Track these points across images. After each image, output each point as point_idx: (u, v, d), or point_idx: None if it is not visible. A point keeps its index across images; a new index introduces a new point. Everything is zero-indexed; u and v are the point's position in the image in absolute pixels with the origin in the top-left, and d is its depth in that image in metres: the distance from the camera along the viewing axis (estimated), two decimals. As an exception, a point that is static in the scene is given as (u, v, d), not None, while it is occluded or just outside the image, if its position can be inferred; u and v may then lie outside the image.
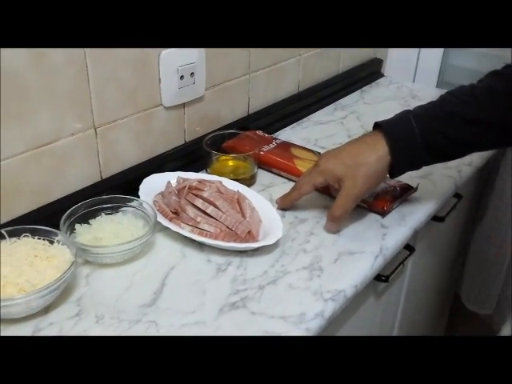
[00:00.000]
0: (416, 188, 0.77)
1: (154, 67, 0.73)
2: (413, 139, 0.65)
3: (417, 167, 0.69)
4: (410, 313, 0.96)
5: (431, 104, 0.69)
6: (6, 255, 0.56)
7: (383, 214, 0.72)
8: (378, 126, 0.68)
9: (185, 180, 0.73)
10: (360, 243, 0.67)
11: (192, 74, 0.77)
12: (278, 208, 0.72)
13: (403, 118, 0.67)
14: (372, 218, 0.73)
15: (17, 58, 0.58)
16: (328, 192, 0.74)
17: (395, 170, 0.67)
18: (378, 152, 0.65)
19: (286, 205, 0.73)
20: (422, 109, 0.68)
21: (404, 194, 0.75)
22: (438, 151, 0.67)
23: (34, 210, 0.65)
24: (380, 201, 0.72)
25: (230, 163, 0.80)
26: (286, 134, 0.95)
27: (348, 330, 0.70)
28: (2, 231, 0.59)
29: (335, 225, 0.68)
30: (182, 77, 0.76)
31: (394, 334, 0.93)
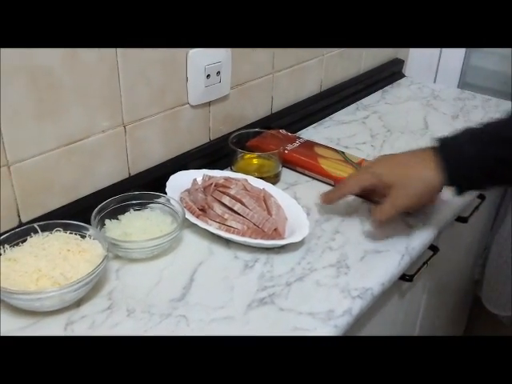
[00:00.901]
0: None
1: (182, 66, 0.74)
2: (467, 161, 0.62)
3: (474, 189, 0.67)
4: (431, 313, 0.96)
5: (495, 123, 0.65)
6: (40, 249, 0.57)
7: (408, 212, 0.72)
8: (437, 140, 0.65)
9: (210, 178, 0.74)
10: (386, 242, 0.68)
11: (218, 72, 0.78)
12: (322, 202, 0.72)
13: (462, 136, 0.64)
14: (397, 217, 0.73)
15: (51, 57, 0.59)
16: (366, 196, 0.74)
17: (452, 188, 0.65)
18: (431, 170, 0.63)
19: (330, 201, 0.72)
20: (483, 128, 0.64)
21: (429, 194, 0.75)
22: (494, 176, 0.63)
23: (65, 206, 0.66)
24: (405, 200, 0.72)
25: (255, 161, 0.81)
26: (308, 134, 0.95)
27: (371, 328, 0.71)
28: (35, 225, 0.60)
29: (377, 226, 0.69)
30: (208, 76, 0.77)
31: (416, 334, 0.93)
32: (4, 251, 0.57)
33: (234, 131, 0.85)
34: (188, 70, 0.75)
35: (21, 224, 0.62)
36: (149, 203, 0.69)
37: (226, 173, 0.77)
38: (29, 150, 0.60)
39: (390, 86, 1.19)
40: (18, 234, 0.59)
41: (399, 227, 0.71)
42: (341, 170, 0.78)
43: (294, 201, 0.72)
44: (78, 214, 0.64)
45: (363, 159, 0.82)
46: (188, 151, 0.80)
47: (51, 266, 0.55)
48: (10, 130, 0.58)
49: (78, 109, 0.64)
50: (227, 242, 0.67)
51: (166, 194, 0.70)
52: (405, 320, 0.85)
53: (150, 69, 0.70)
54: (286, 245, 0.65)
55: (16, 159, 0.60)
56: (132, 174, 0.73)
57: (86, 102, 0.64)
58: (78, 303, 0.56)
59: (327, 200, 0.72)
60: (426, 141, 0.94)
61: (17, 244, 0.59)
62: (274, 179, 0.79)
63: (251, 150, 0.83)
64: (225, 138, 0.83)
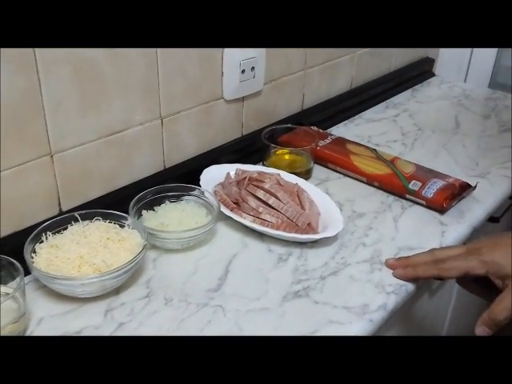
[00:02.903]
0: (475, 186, 0.76)
1: (218, 61, 0.75)
2: None
3: None
4: (460, 313, 0.95)
5: None
6: (82, 237, 0.59)
7: (442, 211, 0.72)
8: None
9: (244, 172, 0.74)
10: (419, 239, 0.68)
11: (253, 68, 0.79)
12: (394, 274, 0.61)
13: None
14: (430, 214, 0.73)
15: (96, 49, 0.60)
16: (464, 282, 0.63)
17: None
18: None
19: (406, 276, 0.60)
20: None
21: (463, 192, 0.75)
22: None
23: (103, 196, 0.68)
24: (439, 198, 0.72)
25: (287, 157, 0.82)
26: (338, 131, 0.95)
27: (401, 326, 0.71)
28: (76, 214, 0.62)
29: (490, 331, 0.55)
30: (243, 71, 0.78)
31: (444, 332, 0.93)
32: (46, 238, 0.59)
33: (265, 127, 0.85)
34: (224, 64, 0.75)
35: (61, 212, 0.64)
36: (183, 195, 0.70)
37: (259, 167, 0.77)
38: (71, 140, 0.62)
39: (420, 84, 1.18)
40: (59, 222, 0.61)
41: (432, 225, 0.71)
42: (373, 167, 0.78)
43: (326, 196, 0.72)
44: (115, 205, 0.65)
45: (396, 157, 0.81)
46: (221, 145, 0.81)
47: (93, 253, 0.56)
48: (54, 119, 0.59)
49: (119, 101, 0.65)
50: (260, 236, 0.67)
51: (199, 186, 0.71)
52: (433, 319, 0.85)
53: (188, 63, 0.71)
54: (320, 239, 0.66)
55: (58, 149, 0.61)
56: (167, 167, 0.75)
57: (127, 94, 0.66)
58: (118, 290, 0.58)
59: (403, 274, 0.61)
60: (457, 140, 0.94)
61: (58, 232, 0.60)
62: (305, 175, 0.80)
63: (283, 145, 0.83)
64: (256, 133, 0.84)
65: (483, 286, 0.58)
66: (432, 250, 0.62)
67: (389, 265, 0.63)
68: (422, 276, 0.60)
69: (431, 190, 0.73)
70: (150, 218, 0.66)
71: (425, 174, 0.76)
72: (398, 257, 0.63)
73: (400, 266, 0.62)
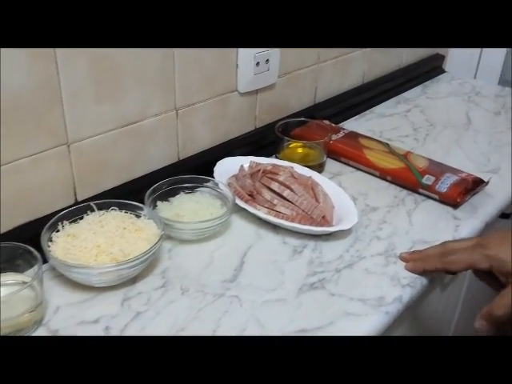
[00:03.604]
0: (487, 182, 0.76)
1: (233, 53, 0.75)
2: None
3: None
4: (469, 307, 0.95)
5: None
6: (98, 226, 0.59)
7: (455, 205, 0.72)
8: None
9: (258, 164, 0.74)
10: (433, 233, 0.68)
11: (267, 60, 0.79)
12: (405, 267, 0.61)
13: None
14: (443, 209, 0.73)
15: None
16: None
17: None
18: None
19: (416, 269, 0.60)
20: None
21: (476, 188, 0.75)
22: None
23: (118, 186, 0.68)
24: (453, 192, 0.72)
25: (299, 150, 0.81)
26: (350, 125, 0.95)
27: (413, 319, 0.71)
28: (92, 204, 0.62)
29: (489, 326, 0.54)
30: (257, 63, 0.77)
31: (452, 329, 0.93)
32: (63, 227, 0.59)
33: (278, 120, 0.85)
34: (239, 57, 0.75)
35: (76, 202, 0.64)
36: (198, 187, 0.70)
37: (273, 160, 0.77)
38: (87, 130, 0.62)
39: (431, 80, 1.18)
40: (76, 212, 0.61)
41: (445, 219, 0.71)
42: (387, 162, 0.78)
43: (340, 189, 0.72)
44: (129, 195, 0.65)
45: (409, 151, 0.81)
46: (234, 138, 0.81)
47: (109, 242, 0.57)
48: (71, 109, 0.59)
49: (135, 92, 0.65)
50: (274, 228, 0.67)
51: (213, 178, 0.71)
52: (443, 315, 0.85)
53: (203, 55, 0.71)
54: (334, 232, 0.66)
55: (75, 138, 0.61)
56: (181, 158, 0.75)
57: (143, 85, 0.65)
58: (134, 280, 0.58)
59: (413, 268, 0.60)
60: (469, 136, 0.94)
61: (74, 221, 0.60)
62: (318, 169, 0.79)
63: (296, 139, 0.83)
64: (269, 126, 0.84)
65: (496, 278, 0.57)
66: (444, 243, 0.61)
67: (402, 258, 0.63)
68: (429, 269, 0.59)
69: (445, 184, 0.73)
70: (165, 209, 0.66)
71: (438, 169, 0.76)
72: (412, 250, 0.63)
73: (412, 260, 0.62)
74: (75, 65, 0.58)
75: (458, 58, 1.27)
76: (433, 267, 0.59)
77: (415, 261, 0.61)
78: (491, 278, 0.58)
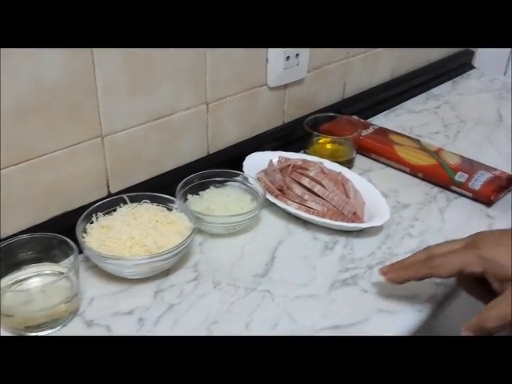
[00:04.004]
0: (522, 180, 0.75)
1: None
2: None
3: None
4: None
5: None
6: (132, 218, 0.59)
7: (489, 203, 0.71)
8: None
9: (287, 159, 0.74)
10: (467, 231, 0.65)
11: (297, 55, 0.78)
12: (386, 279, 0.54)
13: None
14: (476, 207, 0.71)
15: (148, 32, 0.60)
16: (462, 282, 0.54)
17: None
18: None
19: (398, 279, 0.53)
20: None
21: (510, 185, 0.73)
22: None
23: (149, 179, 0.68)
24: (486, 190, 0.71)
25: (328, 146, 0.81)
26: (379, 121, 0.94)
27: (443, 319, 0.70)
28: (124, 196, 0.62)
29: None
30: (287, 57, 0.77)
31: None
32: (97, 218, 0.59)
33: (306, 116, 0.85)
34: (269, 51, 0.75)
35: (109, 194, 0.64)
36: (228, 181, 0.70)
37: (301, 155, 0.77)
38: (121, 123, 0.62)
39: (460, 76, 1.16)
40: (109, 204, 0.61)
41: (479, 217, 0.69)
42: (418, 158, 0.77)
43: (371, 186, 0.71)
44: (160, 188, 0.65)
45: (440, 148, 0.80)
46: (262, 133, 0.81)
47: (143, 234, 0.57)
48: (106, 102, 0.60)
49: (167, 85, 0.65)
50: (304, 223, 0.67)
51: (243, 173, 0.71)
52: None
53: (235, 49, 0.71)
54: (365, 229, 0.65)
55: (109, 131, 0.61)
56: (210, 153, 0.75)
57: (175, 79, 0.66)
58: (166, 273, 0.58)
59: (395, 278, 0.53)
60: (501, 132, 0.92)
61: (108, 213, 0.61)
62: (347, 165, 0.79)
63: (324, 134, 0.83)
64: (297, 121, 0.84)
65: (485, 289, 0.50)
66: (428, 248, 0.54)
67: (381, 272, 0.54)
68: (413, 277, 0.52)
69: (478, 182, 0.72)
70: (196, 203, 0.66)
71: (471, 166, 0.75)
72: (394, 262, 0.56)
73: (392, 270, 0.54)
74: (110, 58, 0.58)
75: (487, 54, 1.24)
76: (417, 274, 0.52)
77: (396, 270, 0.54)
78: (478, 286, 0.51)
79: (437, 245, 0.54)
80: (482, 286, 0.50)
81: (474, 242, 0.51)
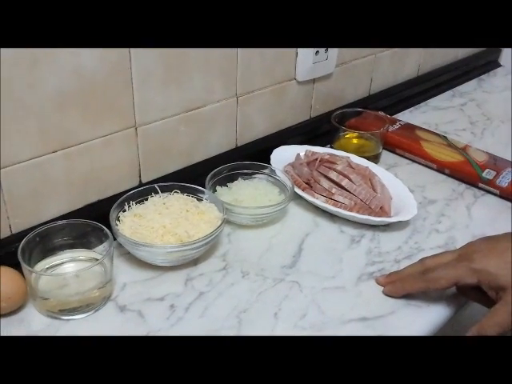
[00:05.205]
0: (551, 178, 0.74)
1: (294, 41, 0.75)
2: None
3: None
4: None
5: None
6: (163, 208, 0.60)
7: (518, 205, 0.71)
8: None
9: (314, 153, 0.75)
10: (495, 228, 0.66)
11: (326, 50, 0.79)
12: (383, 292, 0.56)
13: None
14: (504, 204, 0.71)
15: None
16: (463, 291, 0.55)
17: None
18: None
19: (395, 292, 0.55)
20: None
21: (538, 184, 0.73)
22: None
23: (179, 170, 0.69)
24: (515, 188, 0.71)
25: (355, 141, 0.81)
26: (404, 117, 0.94)
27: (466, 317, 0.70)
28: (156, 186, 0.63)
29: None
30: (317, 52, 0.77)
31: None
32: (129, 207, 0.61)
33: (333, 110, 0.85)
34: (299, 45, 0.76)
35: (141, 184, 0.66)
36: (256, 173, 0.71)
37: (328, 150, 0.78)
38: (154, 114, 0.64)
39: (487, 74, 1.15)
40: (141, 193, 0.63)
41: (507, 214, 0.69)
42: (445, 155, 0.77)
43: (398, 181, 0.72)
44: (190, 179, 0.67)
45: (467, 145, 0.80)
46: (290, 127, 0.82)
47: (175, 223, 0.58)
48: (141, 93, 0.61)
49: (199, 78, 0.66)
50: (331, 216, 0.68)
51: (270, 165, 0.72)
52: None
53: (265, 42, 0.71)
54: (392, 223, 0.66)
55: (142, 122, 0.63)
56: (238, 145, 0.76)
57: (207, 71, 0.67)
58: (196, 262, 0.59)
59: (391, 291, 0.55)
60: (529, 131, 0.92)
61: (140, 202, 0.62)
62: (373, 160, 0.79)
63: (351, 129, 0.83)
64: (324, 115, 0.84)
65: (483, 293, 0.51)
66: (423, 260, 0.55)
67: (378, 282, 0.57)
68: (410, 291, 0.54)
69: (506, 179, 0.72)
70: (224, 194, 0.67)
71: (498, 163, 0.75)
72: (388, 273, 0.57)
73: (389, 282, 0.56)
74: (146, 50, 0.59)
75: (515, 51, 1.23)
76: (414, 287, 0.54)
77: (393, 283, 0.55)
78: (477, 293, 0.53)
79: (431, 257, 0.56)
80: (481, 291, 0.52)
81: (465, 253, 0.53)
